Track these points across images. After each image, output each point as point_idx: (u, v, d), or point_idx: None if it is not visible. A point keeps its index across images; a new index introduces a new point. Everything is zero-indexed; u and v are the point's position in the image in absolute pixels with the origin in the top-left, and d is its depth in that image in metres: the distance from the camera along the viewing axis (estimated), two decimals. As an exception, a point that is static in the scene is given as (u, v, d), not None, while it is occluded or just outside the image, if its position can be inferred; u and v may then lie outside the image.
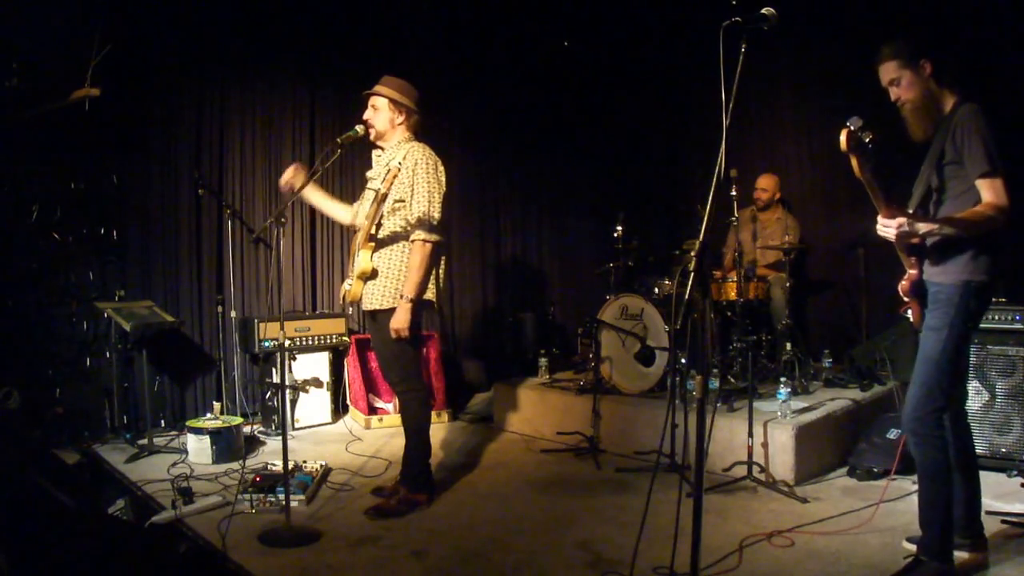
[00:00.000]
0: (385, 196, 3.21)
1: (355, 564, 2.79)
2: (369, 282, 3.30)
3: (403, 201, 3.26)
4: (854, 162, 2.36)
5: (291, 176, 3.35)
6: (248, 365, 5.10)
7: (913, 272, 2.58)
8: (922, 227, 2.42)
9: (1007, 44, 4.43)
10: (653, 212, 6.64)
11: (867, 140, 2.32)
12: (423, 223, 3.23)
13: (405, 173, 3.24)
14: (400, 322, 3.20)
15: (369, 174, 3.49)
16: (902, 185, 2.66)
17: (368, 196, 3.41)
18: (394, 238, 3.30)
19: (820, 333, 5.68)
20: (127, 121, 4.64)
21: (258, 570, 2.70)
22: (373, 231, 3.28)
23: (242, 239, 5.03)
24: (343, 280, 3.56)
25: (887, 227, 2.43)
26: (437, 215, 3.26)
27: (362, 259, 3.27)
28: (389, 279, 3.29)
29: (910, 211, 2.55)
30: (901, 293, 2.65)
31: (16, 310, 4.31)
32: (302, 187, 3.28)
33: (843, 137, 2.30)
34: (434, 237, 3.24)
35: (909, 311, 2.67)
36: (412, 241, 3.24)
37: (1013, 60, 4.37)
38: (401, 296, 3.22)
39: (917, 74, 2.46)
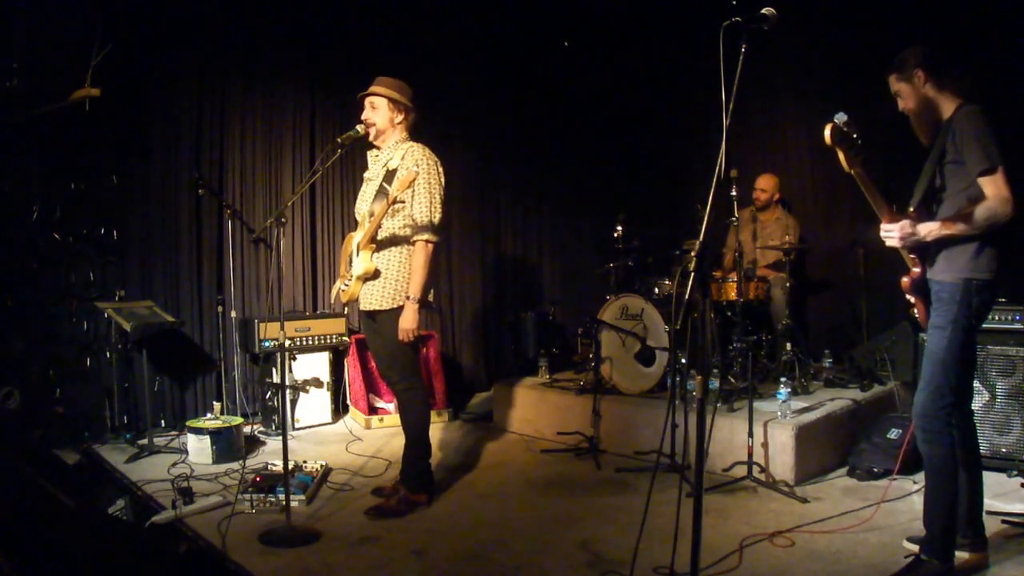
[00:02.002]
0: (395, 198, 3.20)
1: (355, 564, 2.79)
2: (368, 282, 3.31)
3: (403, 202, 3.26)
4: (841, 156, 2.41)
5: None
6: (248, 365, 5.10)
7: (916, 270, 2.60)
8: (923, 230, 2.45)
9: (1011, 44, 4.43)
10: (653, 212, 6.63)
11: (854, 135, 2.35)
12: (425, 224, 3.25)
13: (406, 174, 3.23)
14: (409, 322, 3.22)
15: (367, 175, 3.49)
16: (909, 185, 2.67)
17: (367, 196, 3.41)
18: (393, 239, 3.30)
19: (820, 333, 5.67)
20: (127, 121, 4.65)
21: (258, 570, 2.70)
22: (374, 232, 3.28)
23: (242, 239, 5.03)
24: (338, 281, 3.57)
25: (890, 232, 2.51)
26: (438, 216, 3.29)
27: (363, 259, 3.28)
28: (389, 280, 3.29)
29: (911, 209, 2.56)
30: (903, 290, 2.66)
31: (16, 310, 4.30)
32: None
33: (827, 131, 2.34)
34: (436, 238, 3.27)
35: (916, 310, 2.68)
36: (414, 242, 3.26)
37: (1017, 60, 4.37)
38: (407, 297, 3.23)
39: (913, 84, 2.54)
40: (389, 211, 3.25)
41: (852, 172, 2.43)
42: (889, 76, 2.60)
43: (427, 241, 3.25)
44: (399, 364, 3.36)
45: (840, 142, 2.36)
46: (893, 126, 2.70)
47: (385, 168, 3.36)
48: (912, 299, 2.68)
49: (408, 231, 3.29)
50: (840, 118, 2.34)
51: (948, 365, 2.46)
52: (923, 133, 2.60)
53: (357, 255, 3.33)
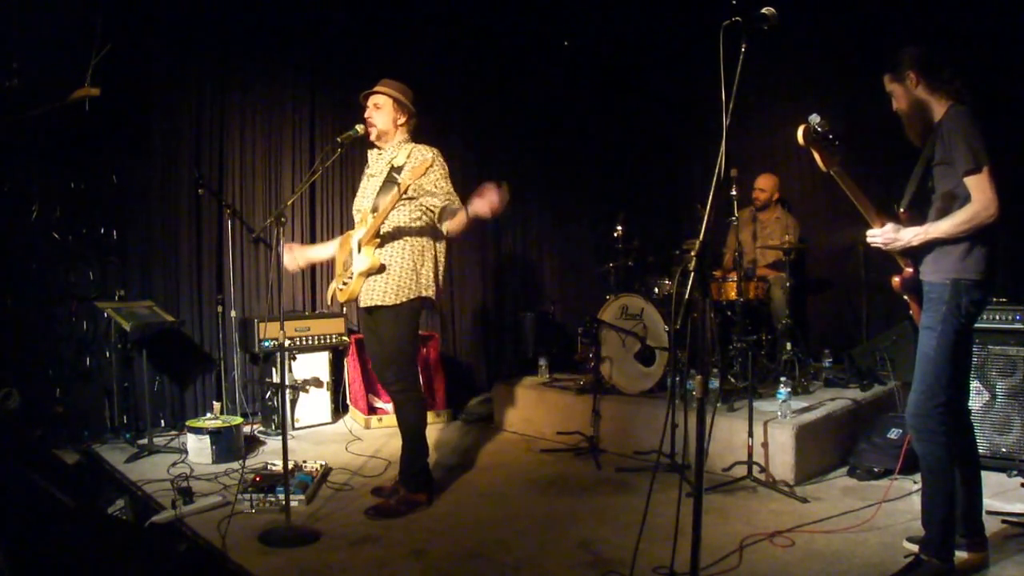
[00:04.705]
0: (408, 186, 3.18)
1: (355, 564, 2.79)
2: (371, 277, 3.29)
3: (411, 198, 3.27)
4: (817, 157, 2.46)
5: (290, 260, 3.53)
6: (248, 365, 5.10)
7: (908, 270, 2.62)
8: (909, 235, 2.48)
9: (1007, 45, 4.43)
10: (653, 212, 6.64)
11: (830, 135, 2.37)
12: (456, 208, 3.24)
13: (420, 161, 3.22)
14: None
15: (369, 171, 3.49)
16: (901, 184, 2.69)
17: (369, 192, 3.40)
18: (398, 233, 3.30)
19: (820, 333, 5.68)
20: (127, 121, 4.64)
21: (258, 570, 2.70)
22: (379, 226, 3.26)
23: (242, 239, 5.03)
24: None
25: (874, 237, 2.55)
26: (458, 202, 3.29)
27: (367, 255, 3.26)
28: (392, 275, 3.27)
29: (902, 210, 2.58)
30: (894, 289, 2.68)
31: (16, 310, 4.30)
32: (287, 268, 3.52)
33: (800, 132, 2.39)
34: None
35: (912, 310, 2.70)
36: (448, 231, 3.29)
37: (1014, 62, 4.37)
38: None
39: (906, 86, 2.56)
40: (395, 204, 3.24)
41: (831, 172, 2.48)
42: (884, 78, 2.62)
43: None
44: (396, 364, 3.34)
45: (814, 143, 2.40)
46: (892, 125, 2.71)
47: (390, 165, 3.36)
48: (907, 298, 2.69)
49: (421, 223, 3.30)
50: (814, 119, 2.39)
51: (939, 365, 2.46)
52: (914, 134, 2.62)
53: (359, 252, 3.31)
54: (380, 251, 3.29)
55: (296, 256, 3.56)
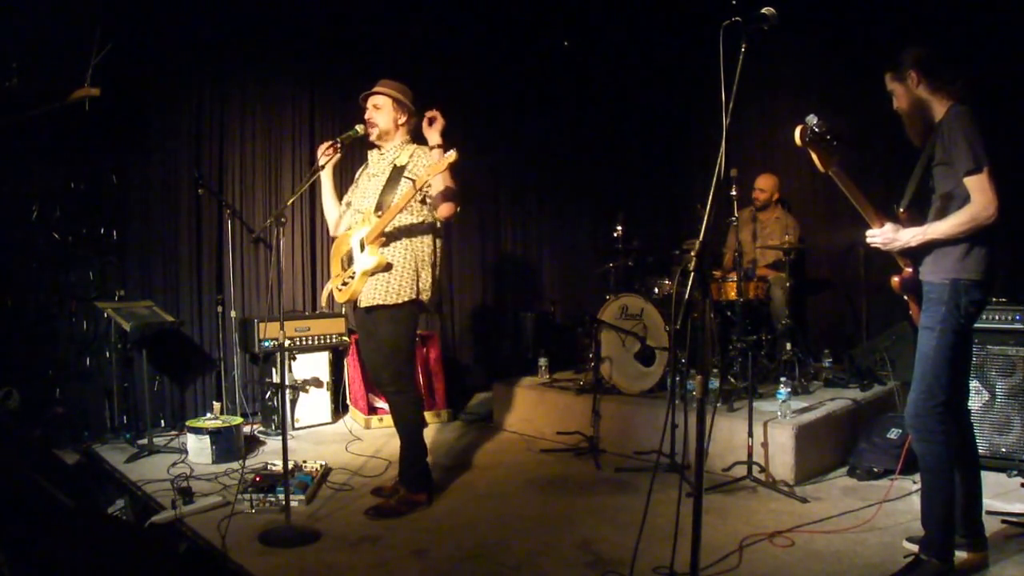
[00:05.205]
0: (427, 182, 3.18)
1: (355, 564, 2.79)
2: (372, 277, 3.29)
3: (421, 198, 3.28)
4: (815, 157, 2.45)
5: (325, 148, 3.39)
6: (248, 365, 5.10)
7: (908, 270, 2.62)
8: (907, 236, 2.49)
9: (1008, 46, 4.43)
10: (653, 212, 6.64)
11: (828, 136, 2.38)
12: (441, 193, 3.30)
13: (443, 158, 3.17)
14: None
15: (370, 171, 3.48)
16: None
17: (371, 192, 3.40)
18: (401, 232, 3.30)
19: (820, 333, 5.68)
20: (127, 121, 4.64)
21: (258, 570, 2.70)
22: (387, 224, 3.25)
23: (242, 239, 5.03)
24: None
25: (874, 238, 2.56)
26: None
27: (372, 253, 3.25)
28: (395, 274, 3.27)
29: (901, 210, 2.58)
30: (893, 289, 2.68)
31: (16, 310, 4.31)
32: (322, 167, 3.36)
33: (797, 132, 2.38)
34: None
35: (911, 310, 2.70)
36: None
37: (1014, 62, 4.37)
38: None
39: (907, 85, 2.56)
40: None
41: (829, 173, 2.47)
42: (885, 77, 2.62)
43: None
44: (392, 366, 3.32)
45: (812, 143, 2.40)
46: (892, 125, 2.71)
47: (392, 165, 3.36)
48: (907, 298, 2.69)
49: (426, 223, 3.31)
50: (811, 119, 2.38)
51: (938, 365, 2.46)
52: (914, 134, 2.62)
53: (361, 251, 3.30)
54: (384, 250, 3.28)
55: (332, 161, 3.40)
